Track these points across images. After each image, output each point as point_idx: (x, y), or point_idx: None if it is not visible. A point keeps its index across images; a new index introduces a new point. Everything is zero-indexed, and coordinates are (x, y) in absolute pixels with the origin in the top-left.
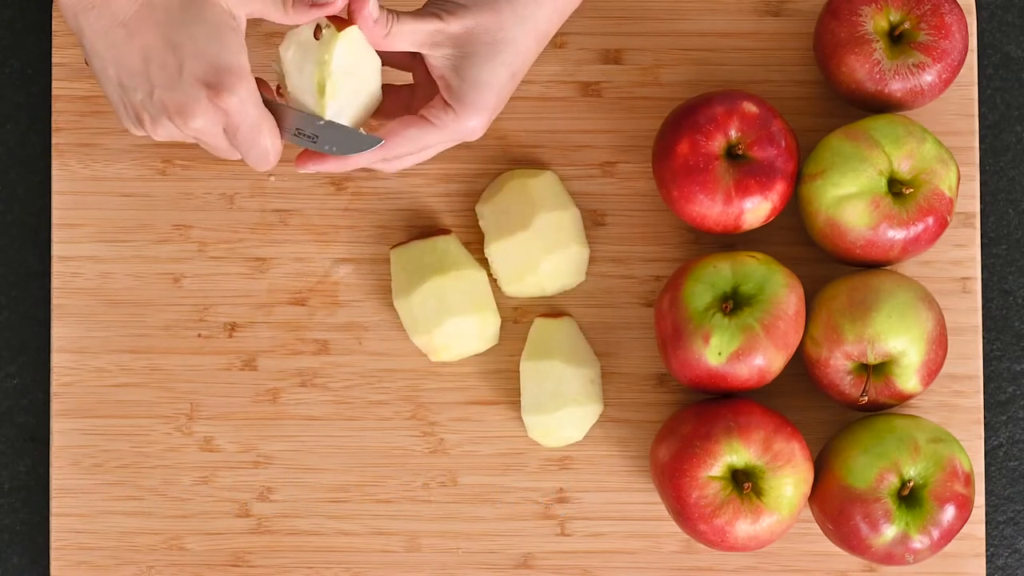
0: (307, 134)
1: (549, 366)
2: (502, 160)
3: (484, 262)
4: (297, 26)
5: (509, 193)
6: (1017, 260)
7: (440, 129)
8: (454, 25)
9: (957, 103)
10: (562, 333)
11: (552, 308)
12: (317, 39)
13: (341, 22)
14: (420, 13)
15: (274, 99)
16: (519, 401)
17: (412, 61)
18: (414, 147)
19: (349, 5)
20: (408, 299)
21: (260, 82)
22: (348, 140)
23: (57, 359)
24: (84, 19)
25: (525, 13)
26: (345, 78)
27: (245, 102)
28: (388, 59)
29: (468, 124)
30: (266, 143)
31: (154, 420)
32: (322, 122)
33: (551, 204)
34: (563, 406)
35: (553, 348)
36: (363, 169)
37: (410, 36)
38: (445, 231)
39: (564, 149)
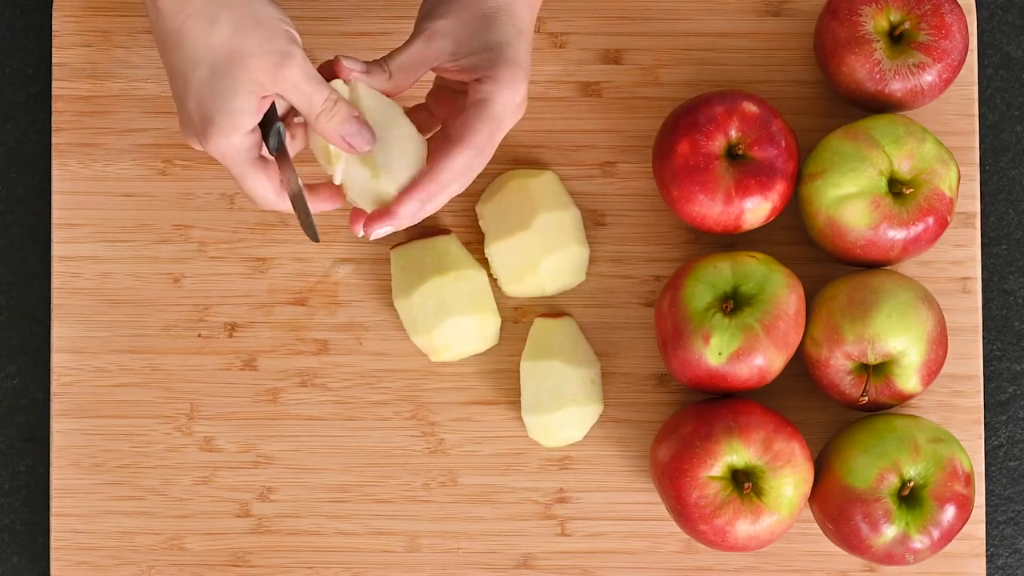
0: (289, 189)
1: (549, 366)
2: (502, 160)
3: (484, 262)
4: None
5: (509, 193)
6: (1017, 260)
7: (486, 127)
8: (441, 22)
9: (957, 103)
10: (562, 333)
11: (552, 308)
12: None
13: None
14: (408, 41)
15: (283, 149)
16: (519, 401)
17: (434, 111)
18: (462, 176)
19: (338, 72)
20: (408, 299)
21: None
22: (304, 220)
23: (57, 359)
24: (150, 13)
25: None
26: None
27: (225, 155)
28: (415, 120)
29: (514, 90)
30: (252, 190)
31: (154, 420)
32: (301, 195)
33: (551, 204)
34: (563, 406)
35: (553, 348)
36: None
37: (410, 63)
38: (445, 231)
39: (564, 149)
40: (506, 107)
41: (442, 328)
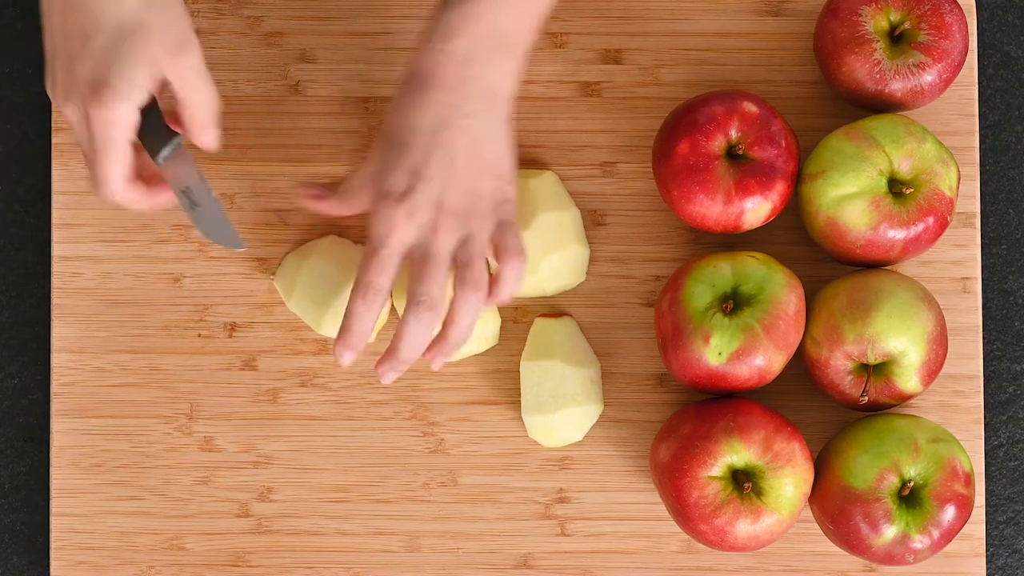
0: (192, 198)
1: (549, 366)
2: None
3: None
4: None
5: None
6: (1017, 260)
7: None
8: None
9: (957, 103)
10: (562, 333)
11: (552, 308)
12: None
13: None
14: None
15: (188, 150)
16: (519, 401)
17: None
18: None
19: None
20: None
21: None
22: (218, 227)
23: (57, 359)
24: None
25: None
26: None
27: (110, 123)
28: None
29: (372, 158)
30: (111, 170)
31: (154, 420)
32: (212, 194)
33: (551, 204)
34: (563, 406)
35: (553, 348)
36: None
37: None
38: None
39: (564, 149)
40: (376, 239)
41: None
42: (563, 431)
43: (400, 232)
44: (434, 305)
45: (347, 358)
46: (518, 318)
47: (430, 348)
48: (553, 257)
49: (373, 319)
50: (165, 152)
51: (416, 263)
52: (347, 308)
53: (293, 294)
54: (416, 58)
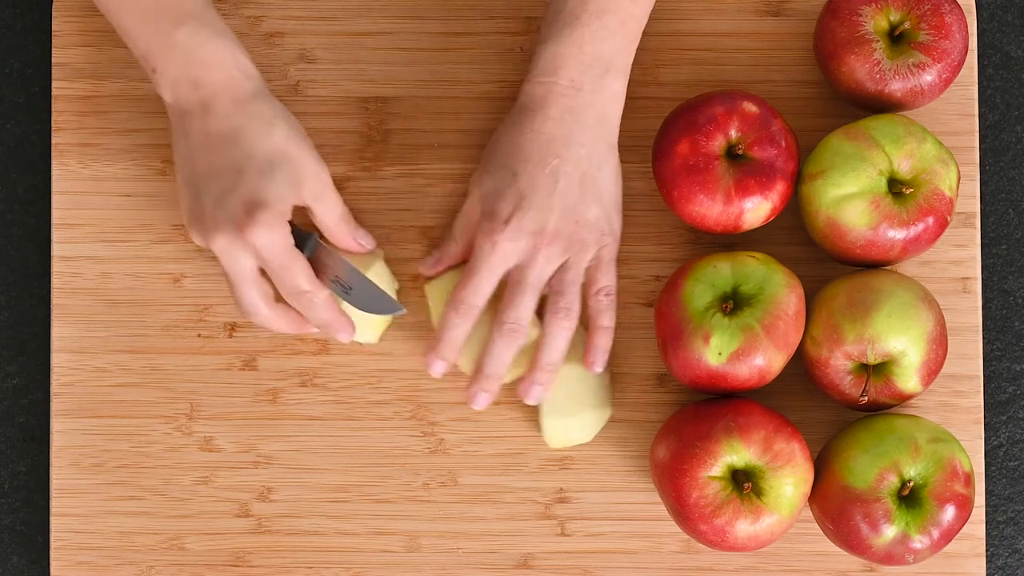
0: (343, 283)
1: (570, 370)
2: None
3: None
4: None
5: None
6: (1017, 260)
7: (457, 224)
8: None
9: (957, 103)
10: (578, 335)
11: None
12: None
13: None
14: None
15: (323, 243)
16: (519, 401)
17: None
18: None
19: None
20: None
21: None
22: (377, 300)
23: (57, 359)
24: (188, 119)
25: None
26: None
27: (274, 240)
28: None
29: (475, 186)
30: (295, 276)
31: (154, 420)
32: (360, 275)
33: None
34: (582, 409)
35: (573, 351)
36: (363, 169)
37: (462, 227)
38: None
39: None
40: (478, 259)
41: None
42: (577, 433)
43: (501, 255)
44: (522, 330)
45: (439, 368)
46: None
47: (523, 380)
48: None
49: (466, 333)
50: (306, 253)
51: (511, 287)
52: (442, 321)
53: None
54: (524, 91)
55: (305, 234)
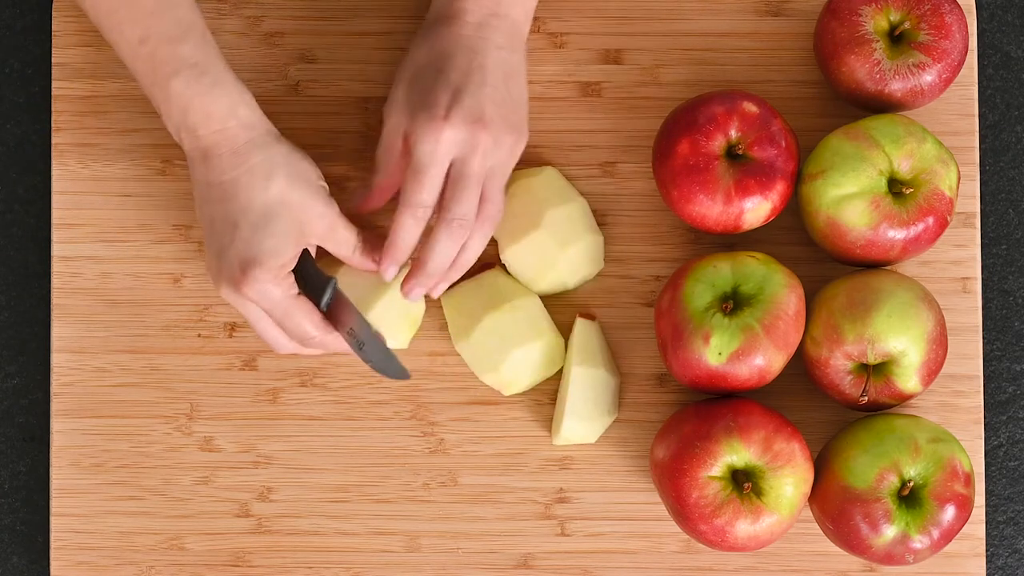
0: (358, 337)
1: (593, 374)
2: None
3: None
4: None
5: (514, 195)
6: (1017, 260)
7: (409, 179)
8: (390, 95)
9: (957, 103)
10: (599, 338)
11: (582, 308)
12: None
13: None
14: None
15: (341, 292)
16: (519, 401)
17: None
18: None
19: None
20: (468, 341)
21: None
22: (386, 361)
23: (57, 359)
24: (193, 166)
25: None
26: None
27: (266, 293)
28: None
29: (428, 138)
30: (298, 325)
31: (154, 420)
32: (372, 329)
33: (557, 199)
34: (600, 415)
35: (597, 355)
36: (363, 169)
37: (385, 157)
38: (489, 264)
39: (564, 149)
40: (423, 156)
41: (508, 362)
42: (588, 435)
43: (446, 147)
44: (468, 225)
45: (391, 272)
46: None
47: (407, 280)
48: (569, 251)
49: (418, 235)
50: (325, 299)
51: (454, 182)
52: (396, 224)
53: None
54: (436, 7)
55: (325, 280)
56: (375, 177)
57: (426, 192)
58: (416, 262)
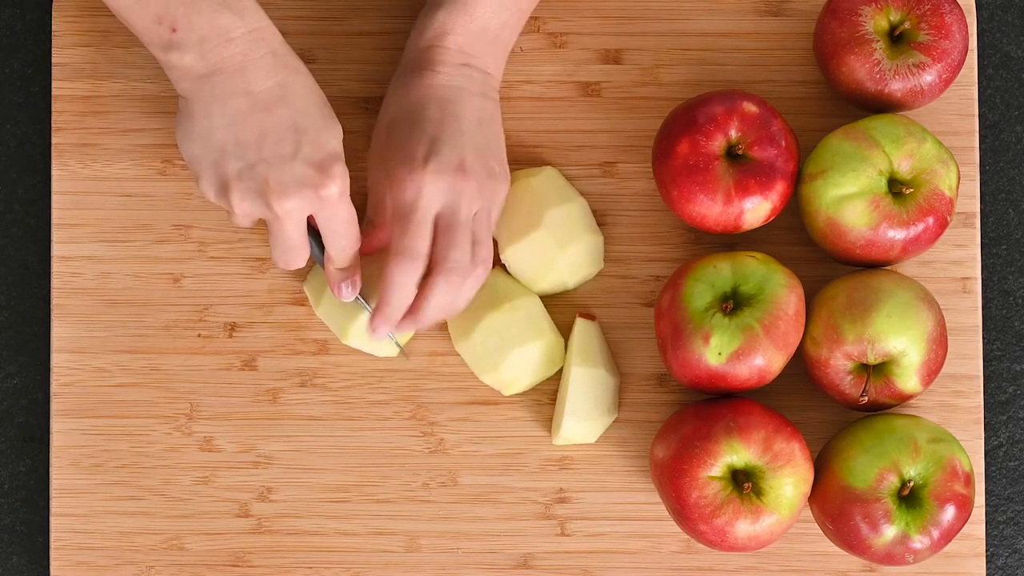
0: (363, 304)
1: (594, 374)
2: None
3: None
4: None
5: (514, 195)
6: (1017, 260)
7: (395, 225)
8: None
9: (957, 103)
10: (599, 338)
11: (582, 308)
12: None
13: None
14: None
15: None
16: (520, 401)
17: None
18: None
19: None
20: (469, 341)
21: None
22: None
23: (57, 359)
24: (221, 81)
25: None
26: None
27: (344, 193)
28: None
29: (401, 187)
30: (356, 232)
31: (154, 420)
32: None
33: (557, 199)
34: (600, 415)
35: (597, 355)
36: (362, 169)
37: (373, 205)
38: None
39: (564, 149)
40: (404, 205)
41: (508, 362)
42: (587, 435)
43: (428, 195)
44: (464, 271)
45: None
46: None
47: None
48: (569, 251)
49: (413, 289)
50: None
51: (444, 231)
52: (386, 278)
53: (322, 301)
54: (410, 54)
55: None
56: (370, 230)
57: (409, 237)
58: (412, 306)
